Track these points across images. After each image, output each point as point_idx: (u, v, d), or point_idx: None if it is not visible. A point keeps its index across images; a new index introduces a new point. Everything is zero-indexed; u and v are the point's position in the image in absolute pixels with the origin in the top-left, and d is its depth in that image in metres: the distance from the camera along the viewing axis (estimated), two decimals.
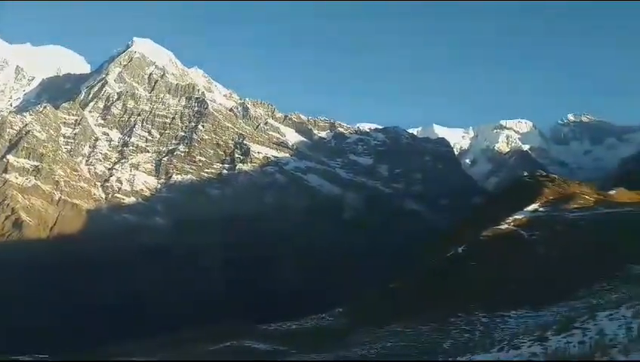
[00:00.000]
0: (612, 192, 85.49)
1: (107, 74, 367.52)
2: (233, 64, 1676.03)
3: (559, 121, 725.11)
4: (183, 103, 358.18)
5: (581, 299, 36.77)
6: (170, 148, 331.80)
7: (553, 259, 54.58)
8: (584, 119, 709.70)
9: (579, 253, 53.86)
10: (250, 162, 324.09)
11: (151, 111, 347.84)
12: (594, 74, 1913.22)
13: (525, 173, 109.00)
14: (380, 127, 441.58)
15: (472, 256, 60.06)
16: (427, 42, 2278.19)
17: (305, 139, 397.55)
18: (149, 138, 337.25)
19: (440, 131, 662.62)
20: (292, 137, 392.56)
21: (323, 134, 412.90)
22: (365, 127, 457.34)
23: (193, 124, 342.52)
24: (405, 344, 38.53)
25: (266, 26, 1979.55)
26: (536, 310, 39.76)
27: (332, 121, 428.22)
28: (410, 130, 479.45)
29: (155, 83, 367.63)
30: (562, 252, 55.68)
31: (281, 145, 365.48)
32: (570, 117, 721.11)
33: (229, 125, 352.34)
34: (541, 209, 74.22)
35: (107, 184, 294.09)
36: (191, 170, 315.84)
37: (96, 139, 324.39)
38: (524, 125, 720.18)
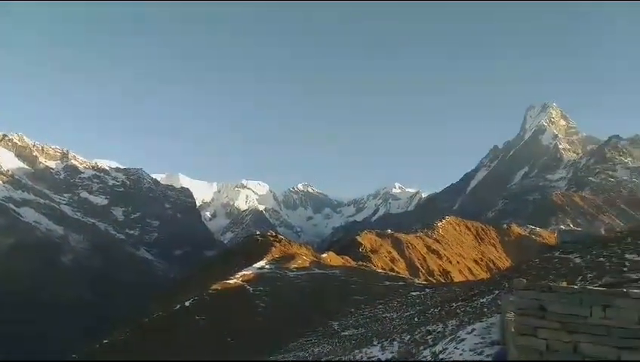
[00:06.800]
0: (324, 255, 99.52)
1: None
2: None
3: (291, 188, 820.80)
4: None
5: (291, 352, 40.30)
6: None
7: (272, 313, 59.10)
8: (310, 190, 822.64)
9: (294, 308, 59.96)
10: None
11: None
12: (320, 151, 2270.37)
13: (258, 232, 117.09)
14: (122, 167, 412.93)
15: (199, 309, 59.78)
16: (183, 90, 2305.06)
17: (26, 167, 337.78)
18: None
19: (185, 181, 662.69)
20: (9, 161, 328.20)
21: (52, 164, 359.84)
22: (105, 164, 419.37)
23: None
24: None
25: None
26: None
27: (65, 150, 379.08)
28: (155, 175, 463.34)
29: None
30: (280, 306, 60.93)
31: None
32: (300, 186, 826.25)
33: None
34: (267, 266, 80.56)
35: None
36: None
37: None
38: (262, 187, 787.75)
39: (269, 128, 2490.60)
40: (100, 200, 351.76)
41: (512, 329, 8.29)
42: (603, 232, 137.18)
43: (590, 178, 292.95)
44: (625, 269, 18.92)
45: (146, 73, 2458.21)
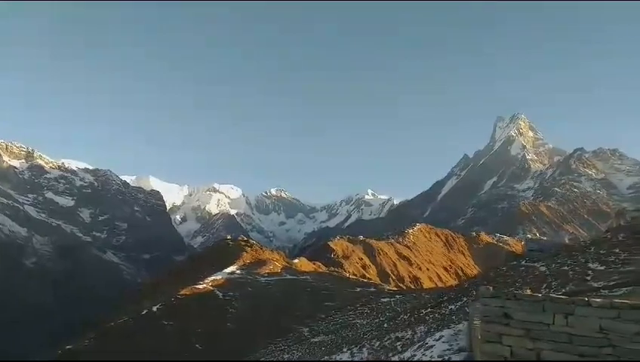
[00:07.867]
0: (296, 261, 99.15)
1: None
2: None
3: (263, 193, 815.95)
4: None
5: (261, 359, 39.88)
6: None
7: (242, 319, 58.42)
8: (283, 195, 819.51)
9: (264, 313, 59.42)
10: None
11: None
12: (294, 156, 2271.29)
13: (229, 237, 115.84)
14: (90, 168, 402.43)
15: (166, 314, 58.61)
16: (159, 91, 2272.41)
17: None
18: None
19: (155, 183, 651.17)
20: None
21: (15, 163, 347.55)
22: (72, 164, 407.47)
23: None
24: None
25: None
26: None
27: (30, 149, 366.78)
28: (124, 177, 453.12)
29: None
30: (250, 312, 60.28)
31: None
32: (273, 191, 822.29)
33: None
34: (238, 271, 79.72)
35: None
36: None
37: None
38: (235, 191, 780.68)
39: (242, 132, 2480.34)
40: (66, 201, 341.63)
41: (478, 336, 8.39)
42: (567, 241, 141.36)
43: (556, 188, 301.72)
44: (588, 278, 19.48)
45: (118, 73, 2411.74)
